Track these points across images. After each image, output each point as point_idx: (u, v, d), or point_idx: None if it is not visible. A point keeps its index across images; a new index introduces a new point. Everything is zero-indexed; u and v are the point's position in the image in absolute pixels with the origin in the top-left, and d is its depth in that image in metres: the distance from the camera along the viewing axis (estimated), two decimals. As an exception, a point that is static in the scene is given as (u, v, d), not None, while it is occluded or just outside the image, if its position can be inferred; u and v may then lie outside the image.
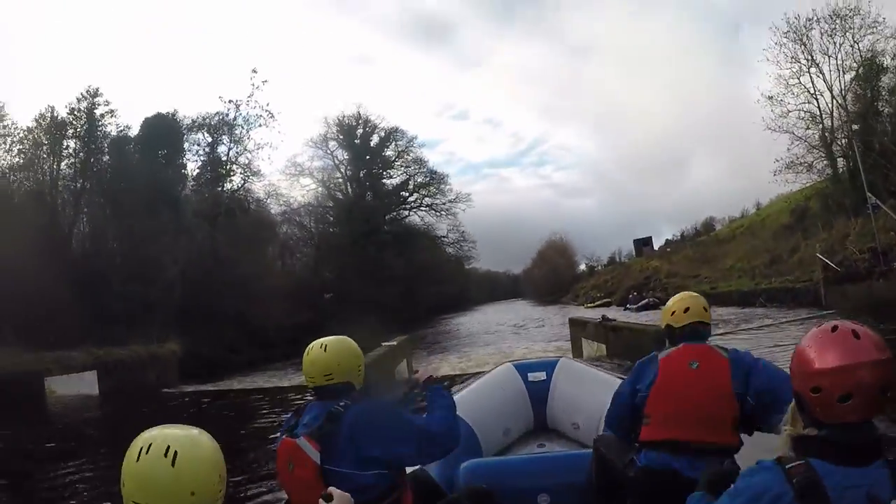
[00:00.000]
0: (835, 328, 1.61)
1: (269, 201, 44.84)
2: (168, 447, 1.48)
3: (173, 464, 1.46)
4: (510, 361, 6.46)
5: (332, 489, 2.05)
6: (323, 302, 42.08)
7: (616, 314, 37.17)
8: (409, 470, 3.09)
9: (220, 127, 39.61)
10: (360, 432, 2.52)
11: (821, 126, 33.26)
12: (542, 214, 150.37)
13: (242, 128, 39.97)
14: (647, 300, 39.36)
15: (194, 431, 1.59)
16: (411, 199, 58.29)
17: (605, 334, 14.62)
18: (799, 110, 33.71)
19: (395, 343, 14.00)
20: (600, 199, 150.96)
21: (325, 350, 2.68)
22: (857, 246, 21.51)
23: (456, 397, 4.75)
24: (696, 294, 3.45)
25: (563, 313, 49.00)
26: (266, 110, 39.87)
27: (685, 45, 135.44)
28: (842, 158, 32.59)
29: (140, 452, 1.48)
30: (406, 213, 58.64)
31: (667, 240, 72.55)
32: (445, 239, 59.79)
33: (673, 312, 3.27)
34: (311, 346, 2.72)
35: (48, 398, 18.51)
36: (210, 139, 39.68)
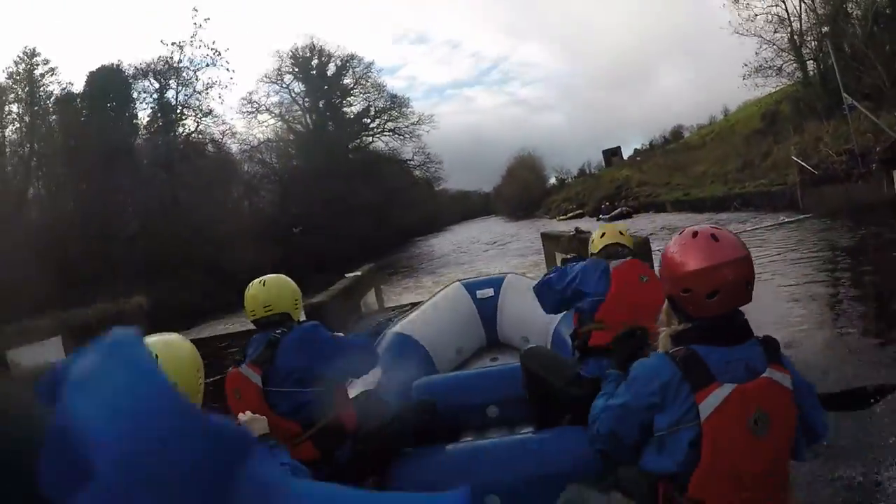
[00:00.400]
0: (695, 234, 1.81)
1: (227, 142, 43.64)
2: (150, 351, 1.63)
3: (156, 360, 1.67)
4: (459, 280, 6.57)
5: (245, 414, 2.23)
6: (293, 237, 41.33)
7: (589, 225, 36.85)
8: (355, 392, 3.51)
9: (166, 72, 37.99)
10: (296, 354, 2.78)
11: (789, 29, 32.59)
12: (509, 131, 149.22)
13: (189, 70, 38.43)
14: (619, 209, 39.20)
15: (170, 336, 1.94)
16: (373, 125, 57.05)
17: (578, 247, 13.80)
18: (766, 13, 32.97)
19: (359, 273, 12.83)
20: (567, 113, 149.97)
21: (263, 285, 2.98)
22: (832, 148, 21.14)
23: (407, 319, 5.57)
24: (615, 223, 4.01)
25: (535, 227, 48.63)
26: (212, 49, 38.47)
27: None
28: (812, 61, 32.09)
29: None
30: (369, 139, 57.42)
31: (635, 149, 72.18)
32: (412, 162, 59.04)
33: (592, 241, 3.73)
34: (251, 284, 3.01)
35: (12, 372, 17.62)
36: (157, 85, 38.09)
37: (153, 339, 1.83)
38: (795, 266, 11.95)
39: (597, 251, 3.63)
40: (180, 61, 37.90)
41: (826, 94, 28.86)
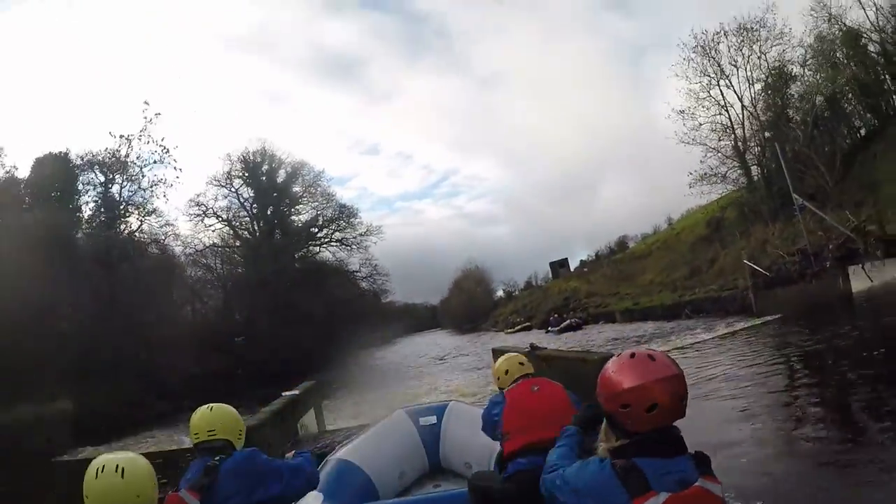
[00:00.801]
0: (633, 355, 2.01)
1: (172, 243, 42.08)
2: (117, 465, 2.17)
3: (122, 476, 2.15)
4: (402, 408, 6.72)
5: None
6: (234, 347, 39.58)
7: (537, 338, 36.15)
8: None
9: (112, 165, 36.53)
10: (234, 479, 2.82)
11: (733, 136, 33.65)
12: (456, 244, 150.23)
13: (136, 165, 37.06)
14: (568, 321, 38.59)
15: (131, 454, 2.29)
16: (321, 234, 55.81)
17: (536, 364, 12.44)
18: (711, 122, 34.17)
19: (297, 392, 11.76)
20: (514, 226, 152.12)
21: (211, 410, 3.07)
22: (782, 249, 20.74)
23: (350, 446, 5.66)
24: (511, 355, 4.22)
25: (482, 341, 47.82)
26: (160, 145, 37.10)
27: (591, 72, 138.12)
28: (756, 166, 32.90)
29: (97, 472, 2.16)
30: (316, 249, 56.08)
31: (581, 260, 73.32)
32: (358, 273, 57.33)
33: (498, 378, 4.08)
34: (198, 409, 3.08)
35: None
36: (103, 178, 36.58)
37: (121, 455, 2.23)
38: (753, 378, 11.06)
39: (506, 388, 3.97)
40: (127, 155, 36.63)
41: (771, 197, 29.13)
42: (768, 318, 18.28)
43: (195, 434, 3.03)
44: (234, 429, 3.08)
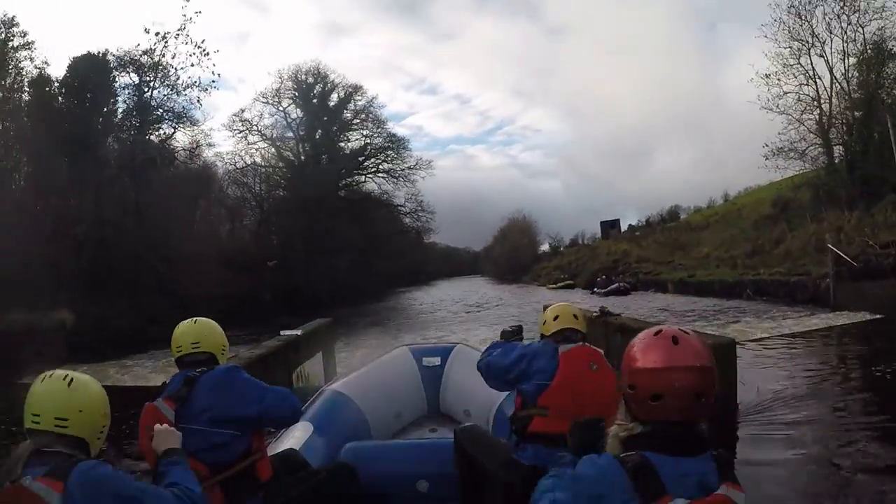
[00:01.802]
0: (658, 332, 1.74)
1: (210, 158, 40.67)
2: (67, 375, 2.04)
3: (69, 385, 2.00)
4: (406, 345, 6.46)
5: (160, 427, 2.39)
6: (266, 271, 38.45)
7: (582, 298, 34.98)
8: (278, 449, 3.62)
9: (146, 65, 34.27)
10: (213, 393, 2.74)
11: (818, 111, 30.84)
12: (506, 193, 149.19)
13: (171, 67, 34.65)
14: (617, 285, 36.78)
15: (88, 377, 2.11)
16: (368, 163, 54.00)
17: (604, 334, 9.44)
18: (796, 92, 31.40)
19: (298, 332, 9.25)
20: (565, 182, 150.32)
21: (195, 323, 3.01)
22: (873, 239, 18.98)
23: (347, 379, 5.52)
24: (565, 303, 3.76)
25: (523, 293, 46.62)
26: (199, 46, 34.70)
27: (662, 37, 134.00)
28: (839, 146, 30.39)
29: (44, 378, 2.03)
30: (362, 178, 54.39)
31: (630, 225, 70.99)
32: (402, 208, 55.42)
33: (545, 322, 3.62)
34: (181, 322, 3.00)
35: None
36: (137, 79, 34.31)
37: (76, 372, 2.08)
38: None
39: (549, 334, 3.53)
40: (163, 55, 34.36)
41: (852, 181, 27.05)
42: (866, 315, 16.05)
43: (178, 347, 2.97)
44: (219, 343, 3.02)
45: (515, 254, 75.41)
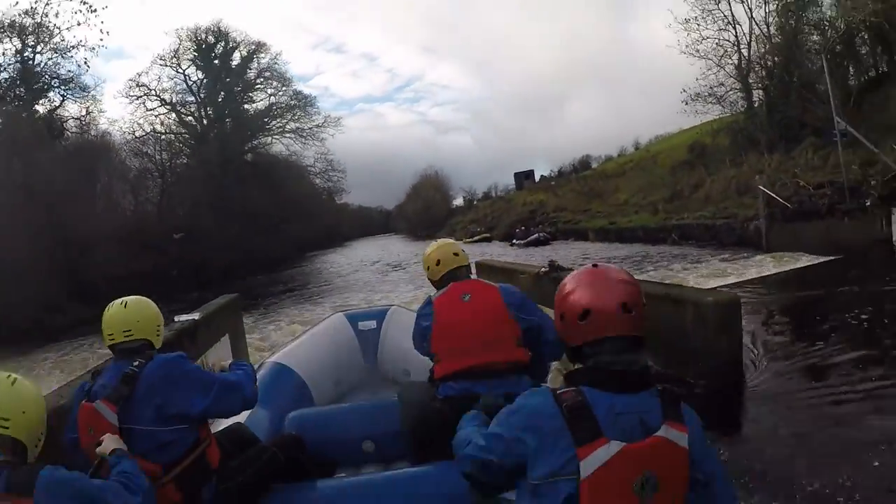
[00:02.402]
0: (582, 266, 1.83)
1: (107, 128, 38.11)
2: (10, 374, 1.93)
3: (12, 384, 1.90)
4: (341, 311, 6.46)
5: (105, 436, 2.30)
6: (172, 245, 36.36)
7: (502, 250, 34.40)
8: (224, 425, 3.41)
9: (30, 28, 31.28)
10: (156, 389, 2.52)
11: (738, 55, 30.99)
12: (417, 150, 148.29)
13: (56, 28, 31.92)
14: (536, 235, 36.25)
15: (28, 379, 1.99)
16: (274, 123, 51.79)
17: (555, 289, 8.85)
18: (716, 38, 31.41)
19: (195, 317, 7.35)
20: (477, 136, 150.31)
21: (125, 307, 2.73)
22: (805, 180, 18.55)
23: (286, 350, 5.55)
24: (445, 242, 3.69)
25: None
26: (84, 2, 32.37)
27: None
28: (758, 90, 30.46)
29: None
30: (269, 140, 52.26)
31: (543, 176, 70.78)
32: (312, 169, 54.32)
33: (428, 268, 3.61)
34: (110, 304, 2.76)
35: None
36: (20, 45, 31.34)
37: (14, 376, 1.93)
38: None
39: (437, 279, 3.57)
40: (45, 14, 31.44)
41: (771, 125, 27.04)
42: (804, 256, 15.46)
43: (109, 335, 2.70)
44: (153, 326, 2.78)
45: (429, 210, 74.81)
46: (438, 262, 3.54)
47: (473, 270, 5.06)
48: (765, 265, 15.70)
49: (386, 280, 27.05)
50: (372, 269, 34.79)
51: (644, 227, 28.19)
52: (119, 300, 2.76)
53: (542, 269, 8.39)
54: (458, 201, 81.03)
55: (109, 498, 1.89)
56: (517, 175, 70.07)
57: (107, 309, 2.75)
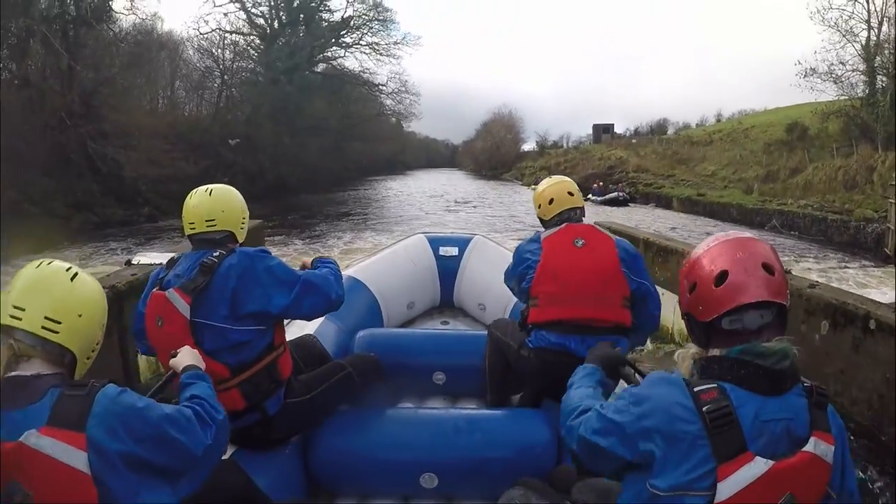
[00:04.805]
0: (715, 238, 1.57)
1: (166, 20, 36.15)
2: (70, 268, 1.56)
3: (72, 280, 1.54)
4: (422, 233, 6.07)
5: (182, 349, 2.06)
6: (226, 149, 34.80)
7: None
8: (295, 335, 3.18)
9: None
10: (234, 283, 2.34)
11: (866, 34, 28.04)
12: (490, 89, 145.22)
13: None
14: (616, 194, 34.13)
15: (92, 276, 1.65)
16: (349, 36, 47.81)
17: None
18: (844, 8, 28.62)
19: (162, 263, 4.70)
20: (552, 83, 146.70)
21: (210, 194, 2.53)
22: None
23: (361, 264, 5.34)
24: (560, 179, 3.34)
25: (508, 191, 44.68)
26: None
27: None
28: (883, 77, 27.39)
29: (41, 263, 1.53)
30: (342, 53, 48.59)
31: (617, 133, 68.41)
32: (384, 87, 49.95)
33: (539, 205, 3.30)
34: (194, 191, 2.57)
35: None
36: None
37: (75, 269, 1.59)
38: None
39: (548, 219, 3.26)
40: None
41: (893, 117, 24.85)
42: None
43: (190, 224, 2.50)
44: (238, 218, 2.57)
45: (498, 149, 73.70)
46: (552, 201, 3.23)
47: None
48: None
49: (458, 218, 25.87)
50: (436, 204, 33.56)
51: (740, 205, 26.59)
52: (203, 187, 2.56)
53: None
54: (528, 146, 79.15)
55: (175, 432, 1.56)
56: (595, 127, 67.26)
57: (189, 196, 2.56)
